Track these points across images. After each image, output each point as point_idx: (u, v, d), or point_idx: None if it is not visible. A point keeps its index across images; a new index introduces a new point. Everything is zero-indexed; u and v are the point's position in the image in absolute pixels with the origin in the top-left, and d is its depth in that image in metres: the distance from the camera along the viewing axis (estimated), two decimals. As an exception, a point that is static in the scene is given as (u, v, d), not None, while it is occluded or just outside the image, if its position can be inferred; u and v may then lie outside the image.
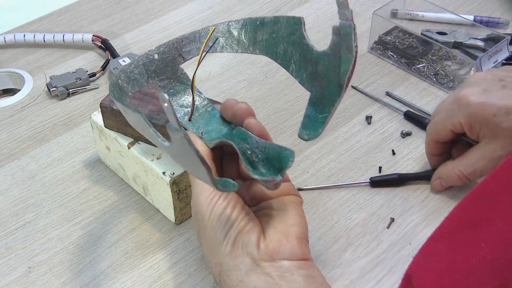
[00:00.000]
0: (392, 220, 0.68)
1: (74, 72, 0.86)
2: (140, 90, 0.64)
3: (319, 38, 0.92)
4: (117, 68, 0.85)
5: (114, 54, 0.89)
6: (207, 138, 0.60)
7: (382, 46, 0.90)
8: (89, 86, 0.86)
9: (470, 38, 0.89)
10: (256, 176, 0.53)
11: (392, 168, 0.74)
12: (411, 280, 0.47)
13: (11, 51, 0.93)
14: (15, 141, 0.79)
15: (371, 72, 0.88)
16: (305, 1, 1.01)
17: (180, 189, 0.66)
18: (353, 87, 0.85)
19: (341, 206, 0.70)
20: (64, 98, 0.85)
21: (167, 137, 0.48)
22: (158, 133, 0.50)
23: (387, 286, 0.62)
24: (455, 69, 0.87)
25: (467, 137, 0.68)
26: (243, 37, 0.63)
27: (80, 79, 0.85)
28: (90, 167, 0.75)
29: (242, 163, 0.56)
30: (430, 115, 0.79)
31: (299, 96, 0.84)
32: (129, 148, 0.68)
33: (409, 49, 0.88)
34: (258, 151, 0.57)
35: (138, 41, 0.94)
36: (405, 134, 0.78)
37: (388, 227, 0.68)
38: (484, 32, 0.89)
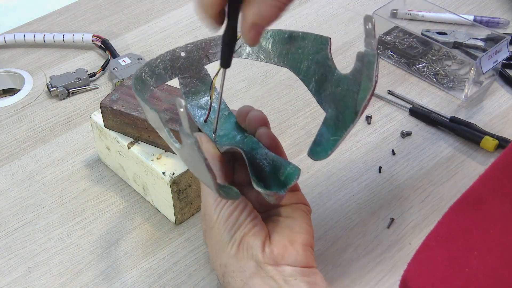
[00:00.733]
0: (392, 220, 0.68)
1: (74, 72, 0.86)
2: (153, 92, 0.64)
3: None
4: (117, 68, 0.85)
5: (114, 54, 0.89)
6: (219, 142, 0.60)
7: (382, 46, 0.90)
8: (89, 86, 0.86)
9: (470, 38, 0.89)
10: (259, 189, 0.54)
11: (392, 168, 0.74)
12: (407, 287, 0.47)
13: (11, 51, 0.93)
14: (15, 141, 0.79)
15: (371, 72, 0.88)
16: (305, 1, 1.01)
17: (180, 189, 0.66)
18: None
19: (341, 206, 0.70)
20: (64, 98, 0.85)
21: (178, 139, 0.50)
22: (171, 134, 0.52)
23: (387, 286, 0.62)
24: (455, 69, 0.87)
25: None
26: (269, 48, 0.64)
27: (80, 79, 0.85)
28: (90, 167, 0.75)
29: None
30: (434, 112, 0.79)
31: (299, 96, 0.84)
32: (129, 148, 0.68)
33: (409, 49, 0.88)
34: (266, 163, 0.58)
35: (138, 41, 0.94)
36: (405, 134, 0.78)
37: (388, 227, 0.68)
38: (484, 32, 0.89)
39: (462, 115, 0.80)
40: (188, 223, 0.69)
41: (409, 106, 0.81)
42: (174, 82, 0.65)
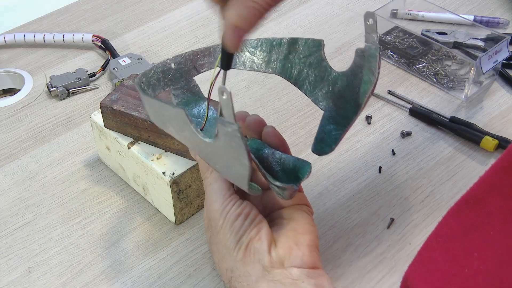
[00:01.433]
0: (392, 220, 0.68)
1: (74, 72, 0.86)
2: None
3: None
4: (117, 68, 0.85)
5: (114, 54, 0.89)
6: None
7: (382, 46, 0.90)
8: (89, 86, 0.86)
9: (470, 38, 0.89)
10: (277, 183, 0.54)
11: (392, 168, 0.74)
12: None
13: (11, 51, 0.93)
14: (15, 141, 0.79)
15: (371, 72, 0.88)
16: (305, 1, 1.01)
17: (180, 189, 0.66)
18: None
19: (341, 206, 0.70)
20: (64, 98, 0.85)
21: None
22: (199, 129, 0.51)
23: (387, 286, 0.62)
24: (455, 69, 0.87)
25: None
26: (257, 56, 0.64)
27: (80, 79, 0.85)
28: (90, 167, 0.75)
29: (258, 172, 0.57)
30: (434, 112, 0.79)
31: (299, 96, 0.84)
32: (129, 148, 0.68)
33: (409, 49, 0.88)
34: (273, 162, 0.58)
35: (138, 41, 0.94)
36: (405, 134, 0.78)
37: (388, 227, 0.68)
38: (484, 32, 0.89)
39: (462, 115, 0.80)
40: (188, 223, 0.69)
41: (409, 106, 0.81)
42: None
